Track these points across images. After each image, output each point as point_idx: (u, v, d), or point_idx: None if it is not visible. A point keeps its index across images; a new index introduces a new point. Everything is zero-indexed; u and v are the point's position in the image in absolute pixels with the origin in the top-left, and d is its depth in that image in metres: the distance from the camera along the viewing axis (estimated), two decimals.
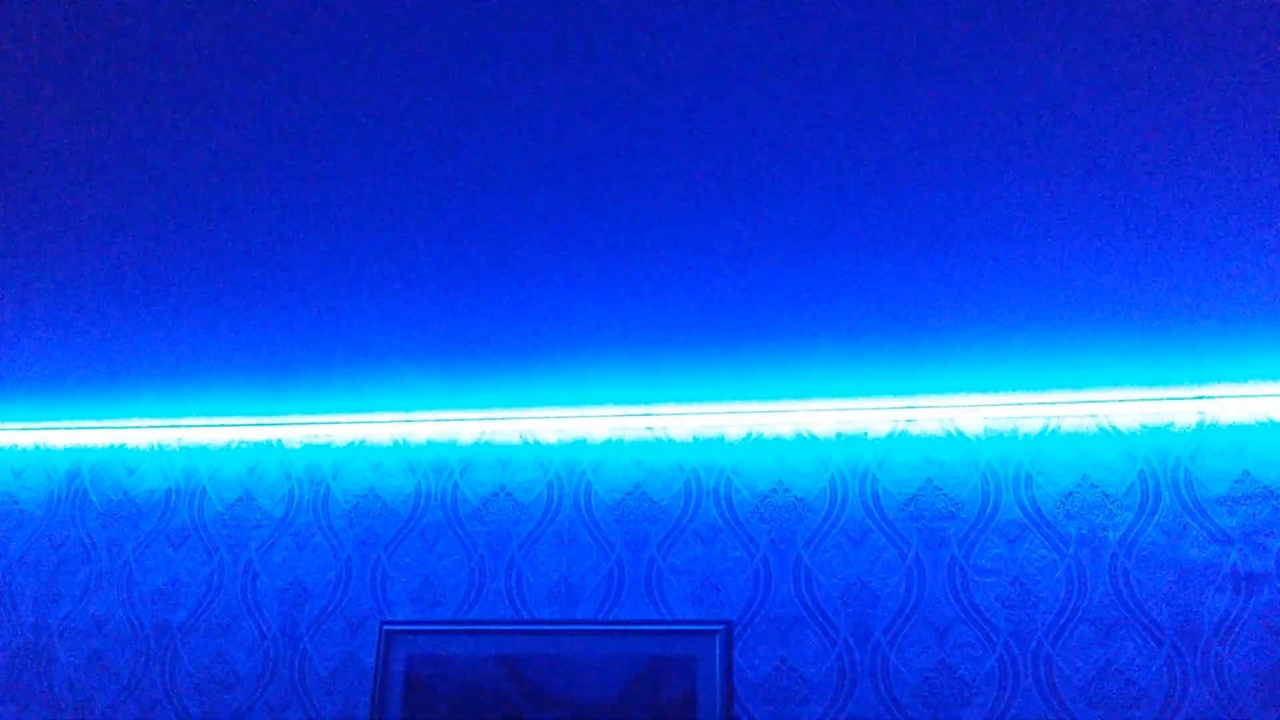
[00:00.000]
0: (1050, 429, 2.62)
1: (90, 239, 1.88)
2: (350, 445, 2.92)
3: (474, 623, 2.69)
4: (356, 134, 1.56)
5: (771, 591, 2.62)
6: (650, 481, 2.76)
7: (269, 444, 2.96)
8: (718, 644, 2.56)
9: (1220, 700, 2.36)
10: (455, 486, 2.85)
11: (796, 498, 2.68)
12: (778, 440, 2.73)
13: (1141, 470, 2.57)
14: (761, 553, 2.65)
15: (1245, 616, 2.42)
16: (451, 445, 2.88)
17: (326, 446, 2.94)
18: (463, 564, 2.77)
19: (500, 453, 2.86)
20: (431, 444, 2.89)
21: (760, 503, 2.69)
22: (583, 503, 2.77)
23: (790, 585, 2.61)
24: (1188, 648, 2.41)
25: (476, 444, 2.87)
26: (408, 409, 2.77)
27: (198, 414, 2.85)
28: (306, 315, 2.20)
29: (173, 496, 2.97)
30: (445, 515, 2.83)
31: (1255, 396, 2.51)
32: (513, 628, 2.66)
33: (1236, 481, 2.52)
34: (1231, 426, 2.55)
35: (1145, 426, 2.59)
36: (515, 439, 2.85)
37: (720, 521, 2.70)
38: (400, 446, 2.90)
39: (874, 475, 2.67)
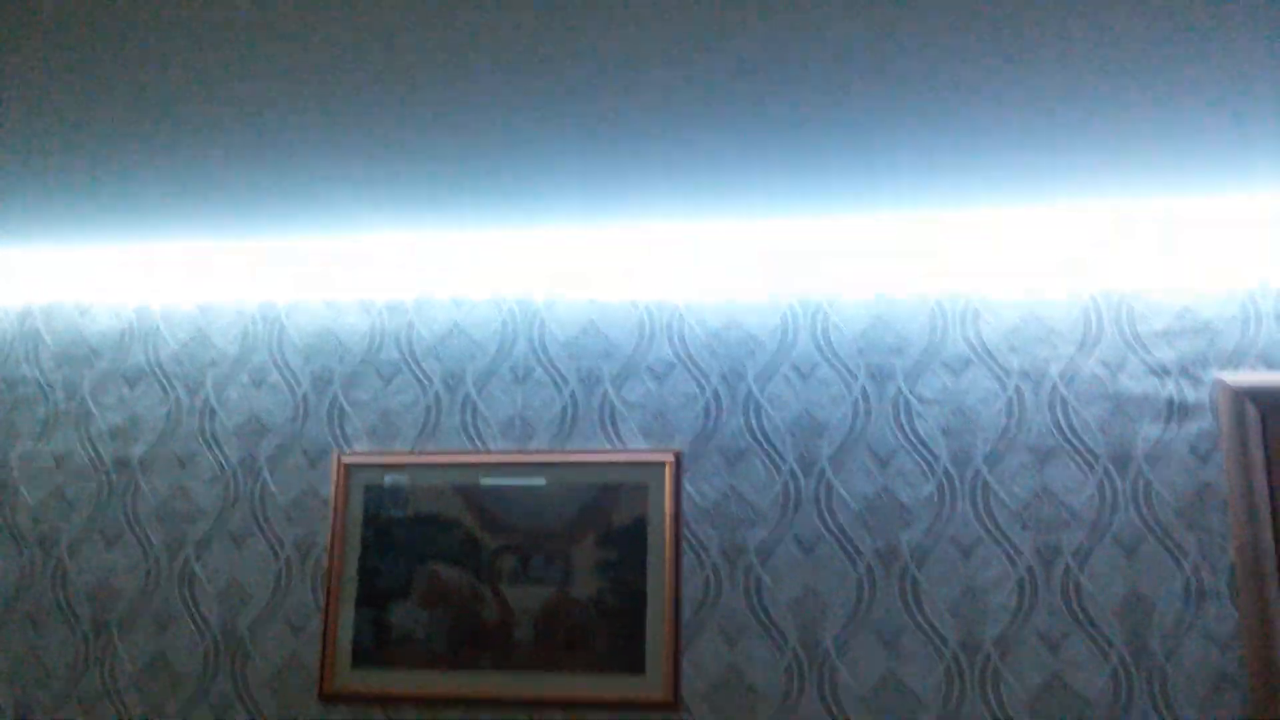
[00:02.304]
0: (998, 266, 2.77)
1: (31, 46, 1.95)
2: (304, 283, 3.04)
3: (431, 454, 2.86)
4: None
5: (721, 424, 2.79)
6: (604, 318, 2.90)
7: (221, 282, 3.07)
8: (668, 473, 2.74)
9: (1146, 521, 2.57)
10: (410, 324, 2.98)
11: (748, 333, 2.84)
12: (730, 276, 2.86)
13: (1086, 306, 2.73)
14: (712, 387, 2.82)
15: (1175, 444, 2.61)
16: (406, 283, 3.00)
17: (280, 284, 3.05)
18: (419, 400, 2.92)
19: (455, 290, 2.98)
20: (386, 282, 3.01)
21: (712, 338, 2.85)
22: (536, 339, 2.92)
23: (740, 418, 2.79)
24: (1119, 473, 2.61)
25: (431, 281, 2.99)
26: (360, 236, 2.88)
27: (149, 236, 2.95)
28: (253, 138, 2.28)
29: (126, 336, 3.09)
30: (401, 353, 2.96)
31: (1200, 229, 2.66)
32: (469, 460, 2.83)
33: (1176, 316, 2.69)
34: (1172, 260, 2.70)
35: (1090, 262, 2.74)
36: (469, 275, 2.97)
37: (673, 357, 2.85)
38: (354, 284, 3.02)
39: (825, 311, 2.82)
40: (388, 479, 2.86)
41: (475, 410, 2.89)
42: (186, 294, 3.11)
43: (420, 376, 2.94)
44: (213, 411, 3.00)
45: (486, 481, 2.81)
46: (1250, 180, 2.43)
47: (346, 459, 2.88)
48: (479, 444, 2.86)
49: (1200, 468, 2.58)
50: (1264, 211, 2.60)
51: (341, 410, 2.94)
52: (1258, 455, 2.55)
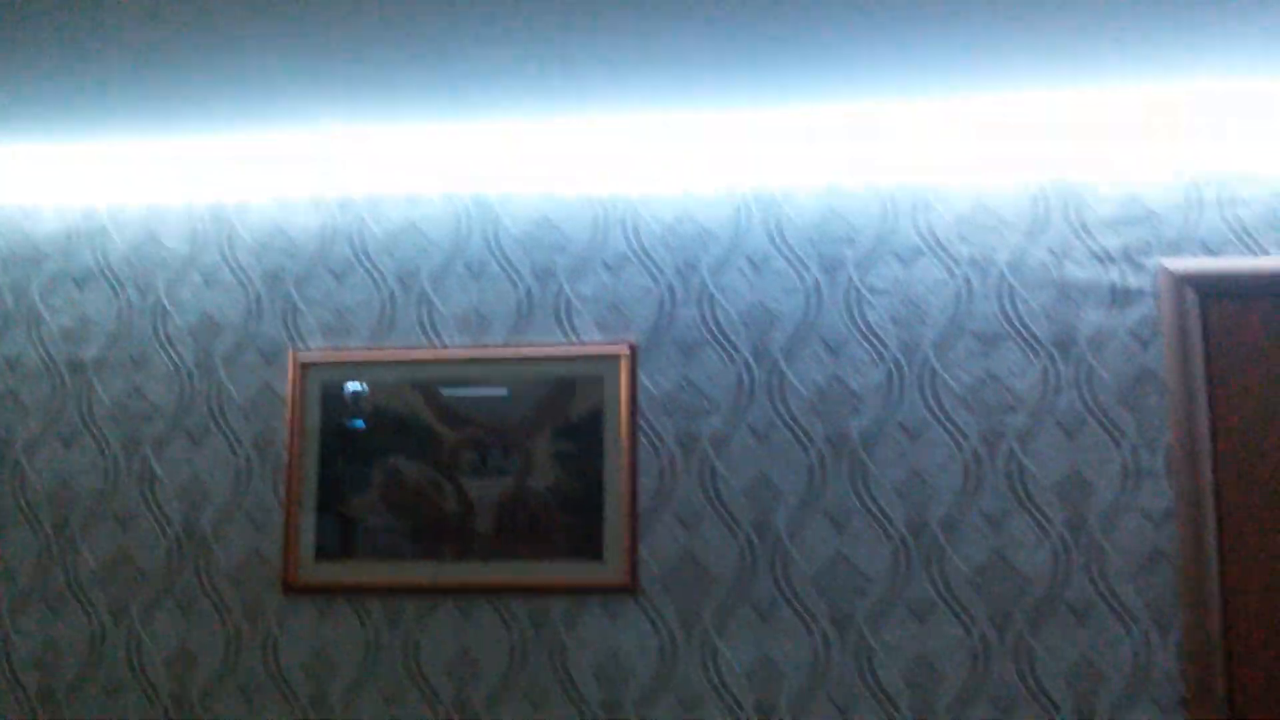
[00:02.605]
0: (949, 156, 2.80)
1: None
2: (253, 181, 3.01)
3: (386, 350, 2.88)
4: None
5: (676, 316, 2.83)
6: (558, 213, 2.91)
7: (169, 182, 3.04)
8: (624, 365, 2.79)
9: (1087, 404, 2.66)
10: (363, 221, 2.98)
11: (702, 226, 2.86)
12: (685, 170, 2.88)
13: (1034, 195, 2.78)
14: (667, 280, 2.85)
15: (1117, 329, 2.69)
16: (358, 180, 2.98)
17: (229, 183, 3.02)
18: (373, 298, 2.93)
19: (408, 187, 2.98)
20: (337, 179, 2.99)
21: (666, 232, 2.87)
22: (491, 235, 2.93)
23: (694, 310, 2.83)
24: (1062, 358, 2.69)
25: (384, 178, 2.98)
26: (311, 132, 2.85)
27: (94, 136, 2.90)
28: (198, 32, 2.24)
29: (73, 238, 3.06)
30: (354, 250, 2.96)
31: (1146, 118, 2.70)
32: (426, 356, 2.86)
33: (1122, 204, 2.74)
34: (1119, 149, 2.75)
35: (1040, 151, 2.77)
36: (423, 172, 2.96)
37: (628, 251, 2.87)
38: (305, 182, 3.00)
39: (778, 203, 2.85)
40: (344, 377, 2.88)
41: (431, 307, 2.91)
42: (134, 194, 3.07)
43: (374, 274, 2.94)
44: (165, 311, 2.99)
45: (444, 375, 2.85)
46: (1195, 69, 2.47)
47: (302, 357, 2.90)
48: (435, 340, 2.89)
49: (1141, 352, 2.67)
50: (1208, 100, 2.64)
51: (295, 308, 2.95)
52: (1196, 339, 2.64)
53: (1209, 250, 2.69)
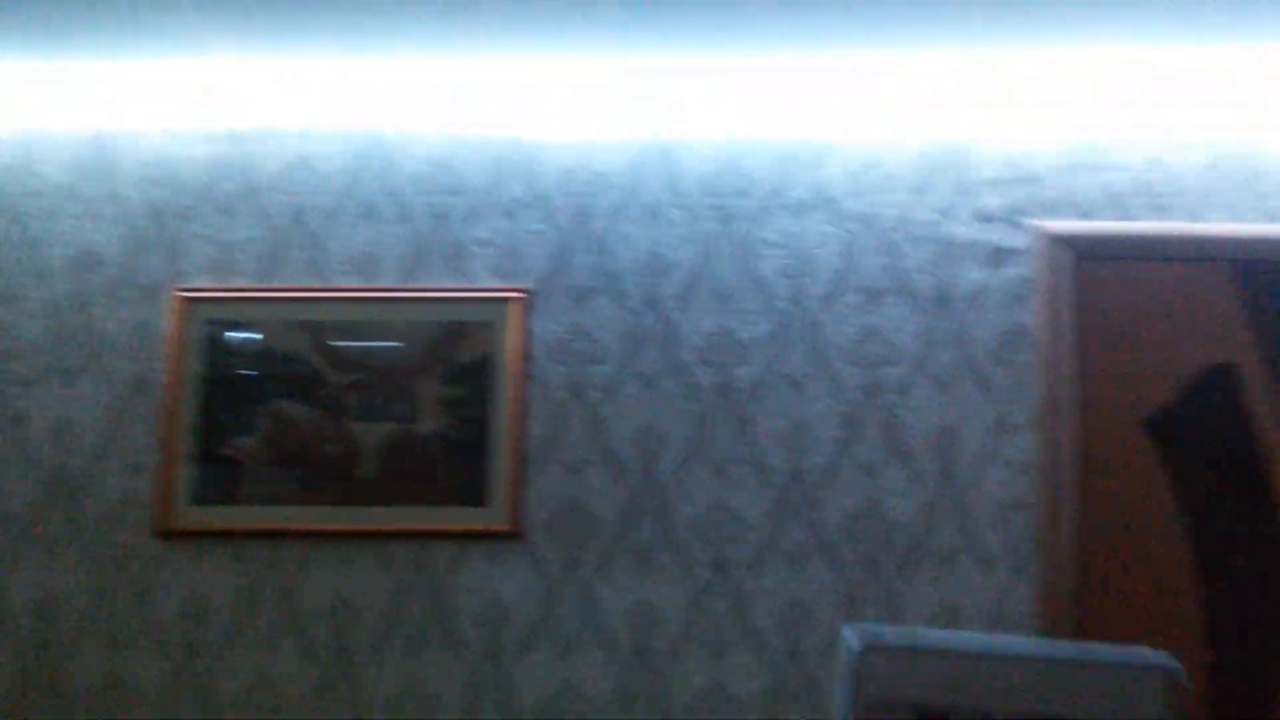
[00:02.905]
0: (843, 112, 2.85)
1: None
2: (139, 110, 2.92)
3: (274, 289, 2.84)
4: None
5: (570, 263, 2.85)
6: (455, 155, 2.89)
7: (47, 107, 2.93)
8: (517, 310, 2.80)
9: (964, 359, 2.77)
10: (252, 156, 2.91)
11: (599, 174, 2.87)
12: (584, 116, 2.88)
13: (923, 153, 2.85)
14: (563, 226, 2.86)
15: (994, 287, 2.80)
16: (249, 113, 2.91)
17: (113, 111, 2.93)
18: (261, 234, 2.88)
19: (301, 122, 2.92)
20: (228, 111, 2.91)
21: (564, 177, 2.88)
22: (386, 175, 2.89)
23: (588, 257, 2.85)
24: (941, 314, 2.79)
25: (276, 112, 2.91)
26: (201, 60, 2.77)
27: None
28: None
29: None
30: (242, 185, 2.90)
31: (1031, 82, 2.79)
32: (315, 294, 2.83)
33: (1005, 165, 2.84)
34: (1003, 112, 2.84)
35: (929, 112, 2.85)
36: (317, 107, 2.90)
37: (524, 195, 2.87)
38: (194, 112, 2.92)
39: (675, 153, 2.87)
40: (229, 315, 2.84)
41: (322, 246, 2.87)
42: (9, 119, 2.95)
43: (263, 210, 2.89)
44: (39, 243, 2.90)
45: (333, 316, 2.82)
46: (1079, 37, 2.56)
47: (185, 294, 2.84)
48: (325, 279, 2.85)
49: (1015, 310, 2.78)
50: (1090, 65, 2.74)
51: (179, 244, 2.88)
52: (1067, 298, 2.76)
53: (1083, 214, 2.81)
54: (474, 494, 2.75)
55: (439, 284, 2.84)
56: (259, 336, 2.82)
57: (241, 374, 2.81)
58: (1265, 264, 2.75)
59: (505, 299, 2.81)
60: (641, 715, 2.68)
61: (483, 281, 2.84)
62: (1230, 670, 2.63)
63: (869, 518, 2.72)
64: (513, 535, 2.73)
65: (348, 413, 2.79)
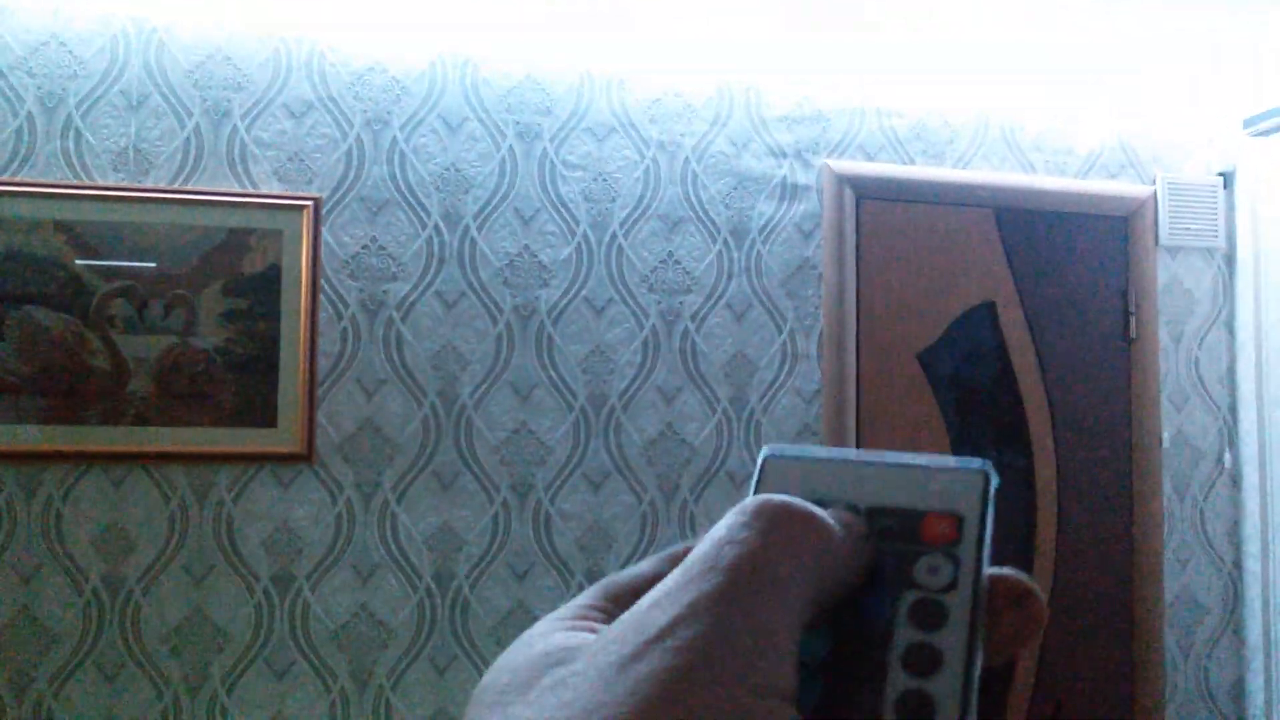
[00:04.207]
0: (643, 39, 2.90)
1: None
2: None
3: (24, 184, 2.56)
4: None
5: (364, 172, 2.75)
6: (233, 46, 2.70)
7: None
8: (306, 219, 2.68)
9: (755, 290, 2.93)
10: None
11: (395, 78, 2.78)
12: (374, 14, 2.76)
13: (720, 86, 2.95)
14: (355, 132, 2.75)
15: (784, 221, 2.97)
16: None
17: None
18: (6, 122, 2.58)
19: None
20: None
21: (356, 80, 2.76)
22: (154, 62, 2.66)
23: (384, 167, 2.76)
24: (736, 245, 2.93)
25: None
26: None
27: None
28: None
29: None
30: None
31: (824, 24, 2.94)
32: (72, 192, 2.58)
33: (797, 104, 2.99)
34: (795, 51, 2.99)
35: (727, 44, 2.95)
36: None
37: (313, 97, 2.73)
38: None
39: (475, 65, 2.82)
40: None
41: (79, 137, 2.61)
42: None
43: (8, 93, 2.59)
44: None
45: (94, 215, 2.58)
46: None
47: None
48: (84, 176, 2.61)
49: (803, 244, 2.96)
50: (881, 16, 2.93)
51: None
52: (850, 235, 2.97)
53: (867, 154, 3.02)
54: (261, 414, 2.64)
55: (218, 187, 2.67)
56: (5, 235, 2.54)
57: None
58: (1022, 211, 3.08)
59: (292, 206, 2.68)
60: (444, 639, 2.71)
61: (267, 186, 2.69)
62: None
63: (667, 442, 2.85)
64: (303, 457, 2.65)
65: (113, 323, 2.59)
